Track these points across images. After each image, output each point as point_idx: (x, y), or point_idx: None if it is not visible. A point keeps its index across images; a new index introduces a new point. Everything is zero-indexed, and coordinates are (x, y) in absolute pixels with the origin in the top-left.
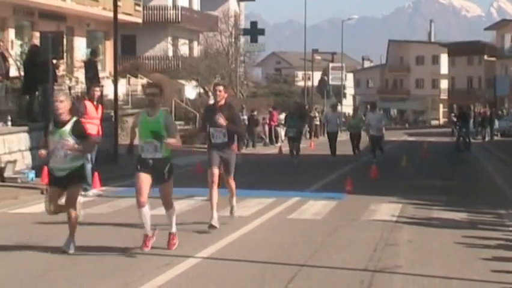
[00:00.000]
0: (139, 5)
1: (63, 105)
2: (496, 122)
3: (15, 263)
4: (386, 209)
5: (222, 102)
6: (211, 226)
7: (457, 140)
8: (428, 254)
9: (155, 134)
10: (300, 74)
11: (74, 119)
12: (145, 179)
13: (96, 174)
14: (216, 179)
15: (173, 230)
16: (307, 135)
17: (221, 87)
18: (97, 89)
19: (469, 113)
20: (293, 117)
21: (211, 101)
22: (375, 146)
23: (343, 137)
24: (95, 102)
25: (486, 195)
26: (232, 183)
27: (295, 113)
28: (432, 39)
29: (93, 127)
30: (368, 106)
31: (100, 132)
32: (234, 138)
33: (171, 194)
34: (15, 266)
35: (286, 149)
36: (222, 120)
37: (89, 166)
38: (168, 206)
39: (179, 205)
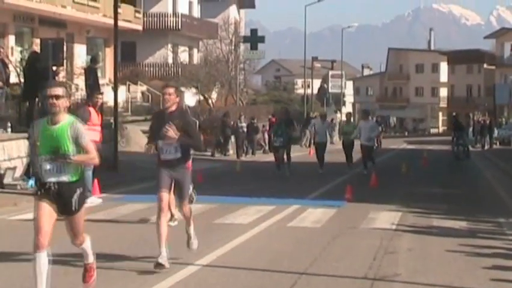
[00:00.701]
0: (139, 12)
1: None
2: (496, 131)
3: (16, 270)
4: (386, 217)
5: (173, 108)
6: (158, 265)
7: (456, 149)
8: (428, 262)
9: (55, 150)
10: (299, 81)
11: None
12: (47, 211)
13: (96, 181)
14: (165, 205)
15: (90, 260)
16: (307, 143)
17: (170, 90)
18: (100, 96)
19: (468, 122)
20: (280, 125)
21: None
22: (365, 156)
23: (334, 146)
24: (97, 109)
25: (486, 204)
26: (187, 210)
27: (283, 121)
28: (432, 48)
29: (96, 134)
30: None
31: (101, 139)
32: (189, 154)
33: (82, 228)
34: (16, 273)
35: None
36: (171, 132)
37: (89, 173)
38: (78, 241)
39: (178, 213)
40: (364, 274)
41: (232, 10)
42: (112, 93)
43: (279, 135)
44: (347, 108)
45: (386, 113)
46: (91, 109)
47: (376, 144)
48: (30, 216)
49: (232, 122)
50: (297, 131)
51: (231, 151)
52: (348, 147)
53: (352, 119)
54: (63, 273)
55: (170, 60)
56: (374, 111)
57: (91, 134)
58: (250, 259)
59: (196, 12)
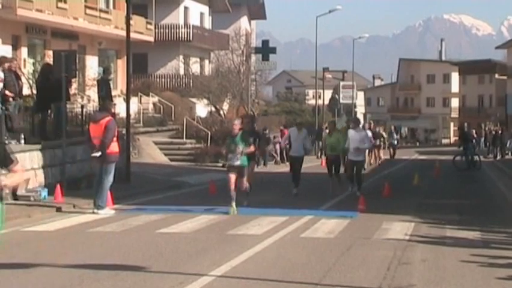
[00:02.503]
0: (150, 24)
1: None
2: (508, 141)
3: (31, 281)
4: (399, 227)
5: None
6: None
7: (465, 159)
8: (442, 273)
9: None
10: (310, 92)
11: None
12: None
13: (109, 192)
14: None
15: None
16: (319, 153)
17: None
18: (114, 107)
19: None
20: (234, 139)
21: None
22: (351, 174)
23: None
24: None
25: (499, 214)
26: None
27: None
28: (443, 58)
29: (115, 145)
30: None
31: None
32: None
33: None
34: (31, 284)
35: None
36: None
37: (109, 185)
38: None
39: (191, 223)
40: (378, 285)
41: (244, 21)
42: (124, 105)
43: (231, 150)
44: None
45: (397, 123)
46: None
47: (369, 159)
48: (44, 227)
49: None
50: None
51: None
52: (332, 163)
53: (339, 128)
54: (77, 284)
55: (181, 72)
56: (386, 122)
57: (114, 146)
58: (264, 270)
59: (208, 24)
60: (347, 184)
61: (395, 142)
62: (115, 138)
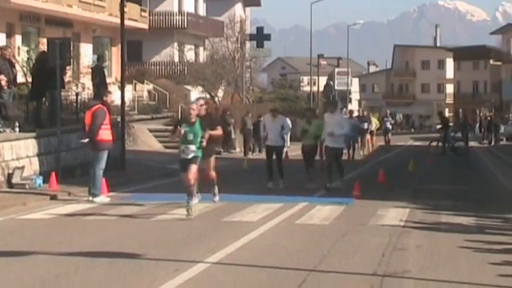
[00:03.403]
0: (145, 11)
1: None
2: (502, 127)
3: (26, 269)
4: (394, 213)
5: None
6: None
7: (442, 144)
8: (437, 259)
9: None
10: (305, 79)
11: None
12: None
13: (104, 180)
14: None
15: None
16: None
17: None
18: (110, 95)
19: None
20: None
21: None
22: (331, 163)
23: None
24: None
25: (494, 200)
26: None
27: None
28: (438, 44)
29: (109, 133)
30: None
31: (114, 138)
32: None
33: None
34: (26, 272)
35: (291, 154)
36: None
37: (101, 172)
38: None
39: (184, 211)
40: (373, 271)
41: (238, 8)
42: (118, 92)
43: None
44: (353, 105)
45: (392, 109)
46: (106, 108)
47: (350, 147)
48: (39, 215)
49: (233, 120)
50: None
51: (238, 149)
52: (309, 154)
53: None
54: (72, 272)
55: (176, 59)
56: (381, 108)
57: (106, 133)
58: (259, 256)
59: (202, 11)
60: (325, 176)
61: (390, 127)
62: (107, 126)
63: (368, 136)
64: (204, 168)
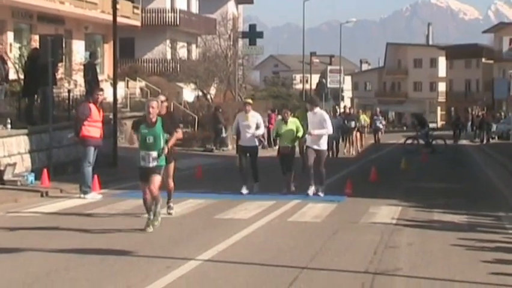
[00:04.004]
0: (137, 8)
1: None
2: (494, 125)
3: (17, 265)
4: (386, 211)
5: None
6: None
7: (417, 142)
8: (429, 257)
9: None
10: (298, 76)
11: None
12: None
13: (96, 177)
14: None
15: None
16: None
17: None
18: (101, 93)
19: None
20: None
21: None
22: (309, 167)
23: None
24: (98, 105)
25: (485, 198)
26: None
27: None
28: (430, 42)
29: (96, 130)
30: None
31: (102, 135)
32: None
33: None
34: (17, 268)
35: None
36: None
37: (89, 169)
38: None
39: (179, 208)
40: (365, 268)
41: (231, 6)
42: (110, 89)
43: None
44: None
45: (384, 107)
46: (92, 105)
47: (332, 147)
48: (30, 212)
49: (222, 119)
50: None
51: (230, 146)
52: (286, 158)
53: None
54: (63, 269)
55: (168, 56)
56: (373, 106)
57: (92, 130)
58: (251, 254)
59: (195, 8)
60: (305, 178)
61: (380, 126)
62: (94, 123)
63: (358, 135)
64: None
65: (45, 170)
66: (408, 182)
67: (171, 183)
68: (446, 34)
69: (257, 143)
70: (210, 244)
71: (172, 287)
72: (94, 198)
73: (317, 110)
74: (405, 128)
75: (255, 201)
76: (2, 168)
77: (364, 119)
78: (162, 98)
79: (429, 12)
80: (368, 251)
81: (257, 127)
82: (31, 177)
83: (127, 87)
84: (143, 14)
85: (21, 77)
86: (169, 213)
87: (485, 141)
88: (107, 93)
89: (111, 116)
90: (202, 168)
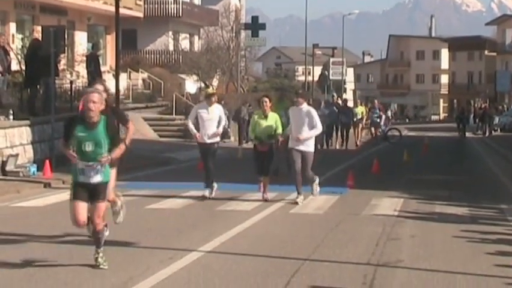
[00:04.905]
0: None
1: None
2: (496, 118)
3: (20, 256)
4: (388, 203)
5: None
6: None
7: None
8: (431, 249)
9: None
10: (300, 68)
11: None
12: None
13: None
14: None
15: None
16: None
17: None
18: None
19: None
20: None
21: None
22: (296, 170)
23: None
24: None
25: (488, 190)
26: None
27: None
28: (433, 34)
29: None
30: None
31: None
32: None
33: None
34: (19, 259)
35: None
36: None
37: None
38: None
39: (181, 199)
40: (367, 260)
41: None
42: (113, 81)
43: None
44: (348, 95)
45: (387, 100)
46: None
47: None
48: (33, 203)
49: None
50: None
51: (232, 138)
52: (263, 157)
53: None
54: (65, 259)
55: (171, 48)
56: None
57: None
58: (253, 245)
59: (197, 0)
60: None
61: (377, 120)
62: None
63: (354, 129)
64: None
65: (47, 161)
66: (410, 173)
67: (112, 195)
68: (449, 26)
69: (218, 139)
70: (212, 235)
71: (174, 279)
72: None
73: (304, 105)
74: (407, 120)
75: (257, 193)
76: (5, 159)
77: (362, 111)
78: (100, 87)
79: (432, 4)
80: (370, 243)
81: (219, 122)
82: (33, 168)
83: (129, 78)
84: (146, 5)
85: (24, 68)
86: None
87: (487, 134)
88: (109, 84)
89: None
90: None
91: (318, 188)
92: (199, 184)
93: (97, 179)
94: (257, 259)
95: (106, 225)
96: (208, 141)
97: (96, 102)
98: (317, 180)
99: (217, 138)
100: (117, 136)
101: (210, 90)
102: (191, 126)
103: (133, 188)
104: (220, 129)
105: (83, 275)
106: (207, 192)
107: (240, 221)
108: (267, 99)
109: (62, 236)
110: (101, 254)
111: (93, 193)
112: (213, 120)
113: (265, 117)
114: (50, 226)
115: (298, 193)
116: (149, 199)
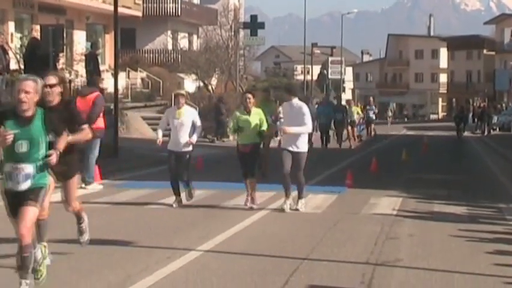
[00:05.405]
0: None
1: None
2: (495, 117)
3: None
4: (387, 202)
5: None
6: None
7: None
8: (429, 248)
9: None
10: (299, 67)
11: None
12: None
13: (96, 167)
14: None
15: None
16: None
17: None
18: (102, 82)
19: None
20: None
21: None
22: (285, 173)
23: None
24: None
25: (486, 189)
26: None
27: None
28: (432, 33)
29: (101, 120)
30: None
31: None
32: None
33: None
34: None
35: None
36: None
37: (94, 160)
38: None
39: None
40: (366, 259)
41: None
42: (112, 80)
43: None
44: (347, 94)
45: (385, 99)
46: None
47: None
48: None
49: (224, 109)
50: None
51: (231, 137)
52: (247, 158)
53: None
54: (64, 258)
55: (170, 47)
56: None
57: (99, 121)
58: (251, 244)
59: None
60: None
61: (373, 117)
62: (101, 114)
63: (350, 129)
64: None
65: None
66: (409, 173)
67: (76, 206)
68: (448, 25)
69: (190, 148)
70: (210, 235)
71: (172, 278)
72: (95, 189)
73: (295, 101)
74: (406, 119)
75: (256, 192)
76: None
77: (357, 112)
78: (52, 80)
79: (431, 3)
80: (369, 242)
81: (193, 127)
82: None
83: (128, 77)
84: (145, 5)
85: (22, 67)
86: (81, 244)
87: (486, 133)
88: (108, 83)
89: (112, 107)
90: (203, 159)
91: (303, 208)
92: (197, 183)
93: (26, 185)
94: (255, 258)
95: (45, 246)
96: (176, 149)
97: (29, 92)
98: (304, 200)
99: (189, 147)
100: (62, 136)
101: (179, 90)
102: (158, 130)
103: (131, 187)
104: (194, 138)
105: (81, 273)
106: (174, 204)
107: (238, 220)
108: (250, 96)
109: (60, 235)
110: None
111: (23, 200)
112: (184, 126)
113: (248, 113)
114: (48, 225)
115: (286, 197)
116: (148, 198)
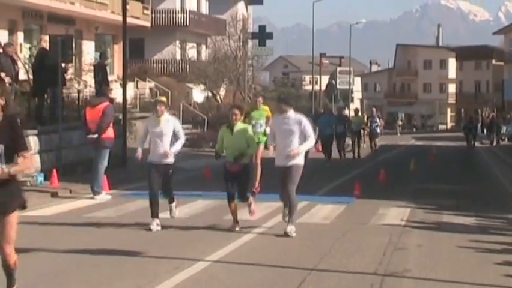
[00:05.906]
0: (147, 9)
1: None
2: (504, 127)
3: (27, 266)
4: (395, 213)
5: None
6: None
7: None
8: (438, 259)
9: None
10: (307, 77)
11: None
12: None
13: (105, 177)
14: None
15: None
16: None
17: None
18: (111, 92)
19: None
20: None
21: None
22: (284, 186)
23: None
24: None
25: (495, 200)
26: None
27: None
28: (440, 44)
29: (111, 130)
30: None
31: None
32: None
33: None
34: (26, 269)
35: None
36: None
37: (103, 170)
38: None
39: (187, 208)
40: (374, 270)
41: (240, 6)
42: (120, 90)
43: None
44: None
45: (394, 109)
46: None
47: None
48: (40, 212)
49: None
50: None
51: None
52: (235, 178)
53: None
54: (72, 269)
55: (178, 57)
56: (382, 107)
57: (109, 131)
58: (260, 255)
59: (204, 9)
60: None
61: (377, 129)
62: (111, 124)
63: (354, 139)
64: None
65: (54, 171)
66: (417, 183)
67: (12, 253)
68: (456, 35)
69: (172, 160)
70: (219, 245)
71: None
72: (103, 199)
73: (291, 113)
74: (414, 129)
75: (263, 203)
76: None
77: (357, 122)
78: None
79: (440, 13)
80: (377, 253)
81: (175, 137)
82: (40, 178)
83: (137, 87)
84: (153, 15)
85: (31, 77)
86: None
87: (495, 143)
88: (117, 93)
89: (121, 117)
90: (211, 169)
91: (294, 233)
92: (206, 193)
93: None
94: (264, 269)
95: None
96: (156, 161)
97: None
98: (293, 226)
99: (171, 159)
100: (10, 147)
101: (159, 97)
102: (138, 148)
103: (140, 197)
104: (176, 148)
105: (89, 284)
106: (154, 225)
107: (247, 230)
108: (237, 111)
109: (68, 246)
110: None
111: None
112: (164, 136)
113: (231, 130)
114: (57, 235)
115: (287, 216)
116: None
